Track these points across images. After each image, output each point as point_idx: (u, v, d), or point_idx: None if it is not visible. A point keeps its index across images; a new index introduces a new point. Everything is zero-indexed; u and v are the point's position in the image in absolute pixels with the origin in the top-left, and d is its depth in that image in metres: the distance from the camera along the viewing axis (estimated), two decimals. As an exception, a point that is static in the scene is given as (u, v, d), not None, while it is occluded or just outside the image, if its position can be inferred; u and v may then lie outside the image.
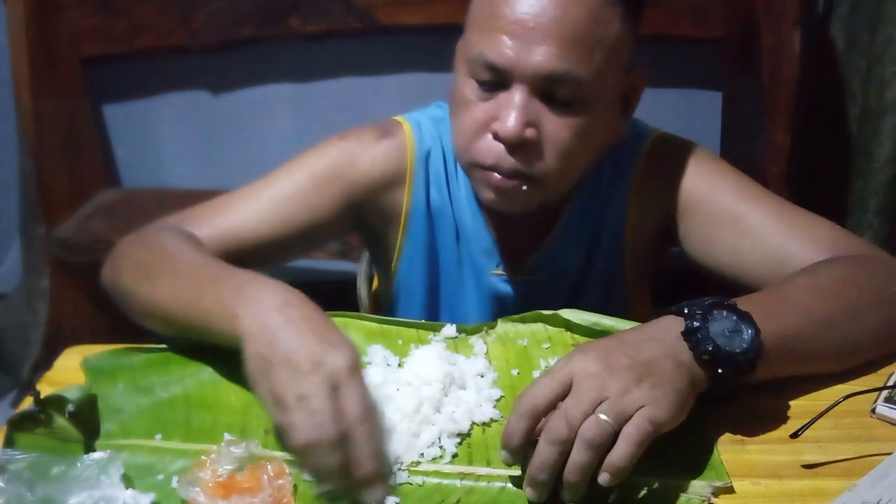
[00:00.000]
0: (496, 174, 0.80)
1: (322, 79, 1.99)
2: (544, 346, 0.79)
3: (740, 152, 1.86)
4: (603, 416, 0.59)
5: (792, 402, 0.71)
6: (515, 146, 0.78)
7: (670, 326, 0.66)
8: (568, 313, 0.80)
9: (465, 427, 0.69)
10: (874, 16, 1.68)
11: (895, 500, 0.58)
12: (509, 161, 0.79)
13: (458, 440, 0.68)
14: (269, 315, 0.65)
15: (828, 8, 1.81)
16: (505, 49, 0.76)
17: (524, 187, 0.81)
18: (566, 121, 0.78)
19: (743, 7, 1.78)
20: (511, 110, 0.77)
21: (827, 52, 1.80)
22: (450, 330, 0.80)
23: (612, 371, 0.62)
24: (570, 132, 0.79)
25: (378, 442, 0.62)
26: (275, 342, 0.63)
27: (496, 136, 0.79)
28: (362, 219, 0.96)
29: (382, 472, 0.62)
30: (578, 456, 0.58)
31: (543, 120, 0.78)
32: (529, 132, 0.78)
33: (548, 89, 0.77)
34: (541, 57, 0.75)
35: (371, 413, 0.62)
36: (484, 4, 0.79)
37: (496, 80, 0.78)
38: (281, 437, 0.63)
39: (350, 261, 1.66)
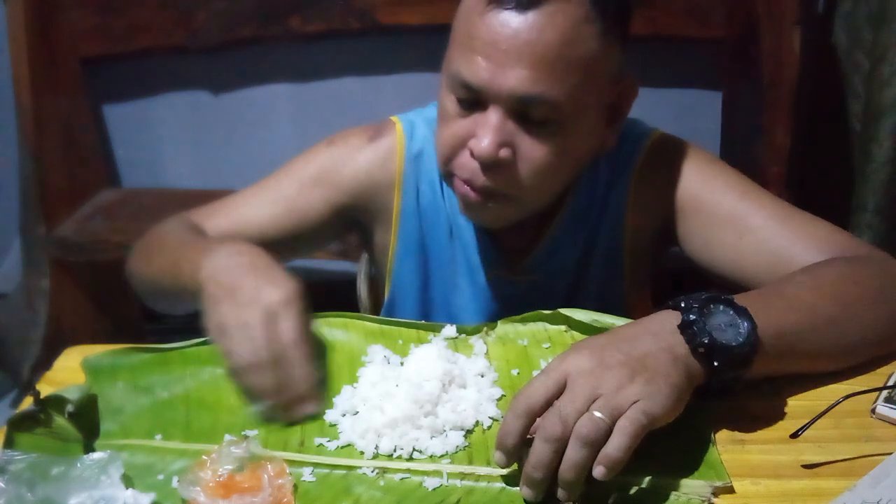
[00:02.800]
0: (469, 189, 0.82)
1: (322, 79, 2.00)
2: (544, 346, 0.79)
3: (740, 152, 1.86)
4: (597, 413, 0.59)
5: (792, 402, 0.71)
6: (489, 165, 0.79)
7: (666, 321, 0.66)
8: (568, 311, 0.80)
9: (467, 424, 0.69)
10: (878, 14, 1.68)
11: (895, 501, 0.58)
12: (481, 178, 0.80)
13: (460, 439, 0.68)
14: (221, 261, 0.74)
15: (828, 8, 1.81)
16: (480, 70, 0.77)
17: (490, 204, 0.82)
18: (542, 141, 0.79)
19: (743, 7, 1.78)
20: (487, 131, 0.78)
21: (827, 52, 1.80)
22: (450, 330, 0.81)
23: (606, 368, 0.62)
24: (546, 152, 0.79)
25: (311, 366, 0.70)
26: (222, 281, 0.72)
27: (472, 154, 0.80)
28: (353, 221, 0.97)
29: (315, 393, 0.71)
30: (573, 453, 0.58)
31: (518, 140, 0.79)
32: (504, 153, 0.78)
33: (523, 110, 0.78)
34: (514, 80, 0.76)
35: (305, 341, 0.70)
36: (463, 21, 0.79)
37: (473, 99, 0.79)
38: (226, 363, 0.70)
39: (350, 261, 1.66)
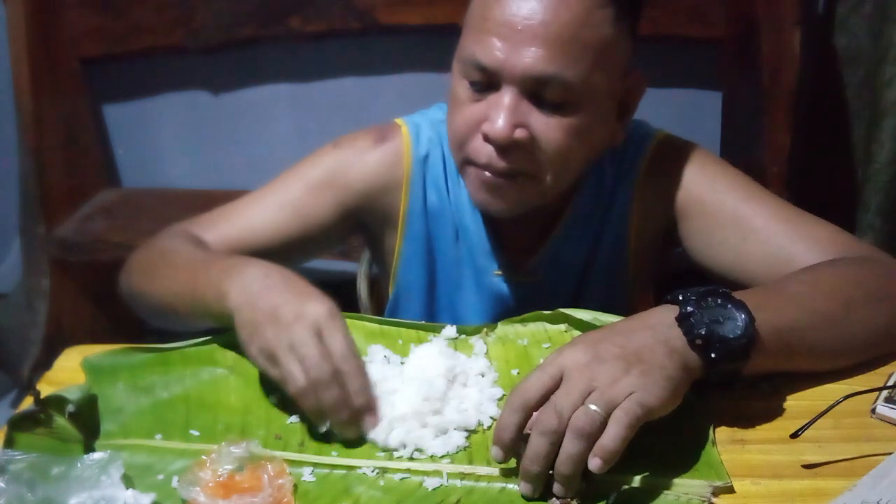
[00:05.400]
0: (488, 173, 0.81)
1: (322, 79, 1.99)
2: (544, 346, 0.79)
3: (740, 152, 1.86)
4: (592, 406, 0.59)
5: (792, 402, 0.71)
6: (505, 147, 0.79)
7: (664, 314, 0.67)
8: (569, 310, 0.80)
9: (470, 424, 0.69)
10: (879, 14, 1.68)
11: (895, 501, 0.58)
12: (501, 163, 0.80)
13: (461, 439, 0.68)
14: (252, 285, 0.71)
15: (829, 8, 1.81)
16: (494, 51, 0.77)
17: (511, 187, 0.81)
18: (556, 121, 0.79)
19: (743, 7, 1.78)
20: (500, 111, 0.78)
21: (828, 52, 1.80)
22: (450, 331, 0.81)
23: (601, 361, 0.62)
24: (561, 133, 0.79)
25: (366, 376, 0.69)
26: (259, 305, 0.70)
27: (486, 138, 0.79)
28: (360, 223, 0.97)
29: (374, 403, 0.69)
30: (569, 446, 0.59)
31: (533, 121, 0.79)
32: (519, 133, 0.78)
33: (537, 91, 0.78)
34: (529, 59, 0.76)
35: (355, 350, 0.69)
36: (478, 6, 0.80)
37: (487, 81, 0.79)
38: (285, 391, 0.68)
39: (350, 261, 1.66)
